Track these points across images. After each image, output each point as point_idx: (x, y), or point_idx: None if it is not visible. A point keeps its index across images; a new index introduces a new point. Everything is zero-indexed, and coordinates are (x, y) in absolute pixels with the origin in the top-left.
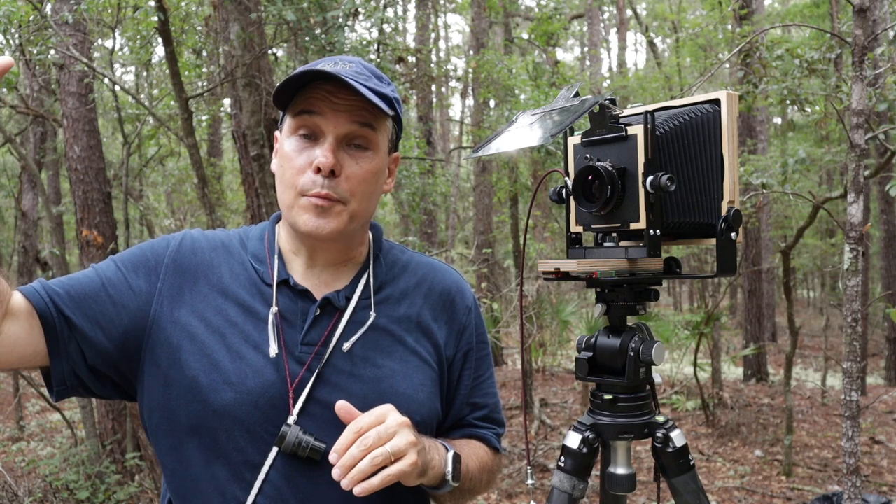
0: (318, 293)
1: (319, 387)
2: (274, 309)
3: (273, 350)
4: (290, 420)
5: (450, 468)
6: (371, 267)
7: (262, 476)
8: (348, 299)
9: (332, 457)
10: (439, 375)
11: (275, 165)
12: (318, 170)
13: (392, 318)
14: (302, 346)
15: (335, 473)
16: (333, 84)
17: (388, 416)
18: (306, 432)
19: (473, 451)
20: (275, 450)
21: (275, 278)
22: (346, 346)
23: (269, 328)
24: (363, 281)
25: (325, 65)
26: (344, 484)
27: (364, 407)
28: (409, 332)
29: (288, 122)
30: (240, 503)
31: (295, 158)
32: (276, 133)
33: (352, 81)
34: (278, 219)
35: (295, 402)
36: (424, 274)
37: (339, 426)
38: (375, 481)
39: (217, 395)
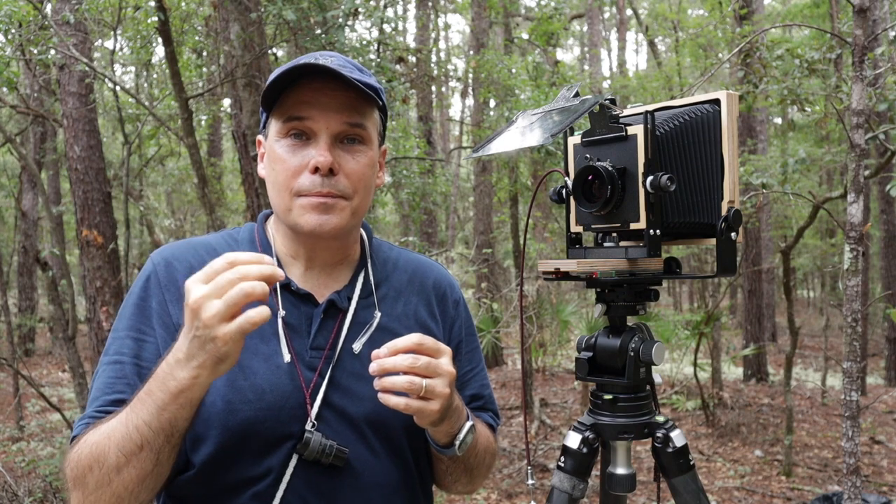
0: (320, 295)
1: (331, 391)
2: (282, 313)
3: (286, 357)
4: (309, 426)
5: (462, 435)
6: (368, 265)
7: (283, 486)
8: (349, 299)
9: (381, 350)
10: None
11: (263, 169)
12: (316, 169)
13: (392, 316)
14: (311, 351)
15: (373, 367)
16: (321, 79)
17: (444, 357)
18: (328, 437)
19: (482, 429)
20: (295, 458)
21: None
22: (357, 346)
23: (281, 335)
24: (360, 280)
25: (308, 60)
26: (375, 383)
27: (374, 408)
28: (410, 329)
29: (276, 125)
30: None
31: (288, 160)
32: (259, 137)
33: (342, 71)
34: (266, 218)
35: (311, 408)
36: (414, 270)
37: (352, 430)
38: (401, 403)
39: (236, 416)
